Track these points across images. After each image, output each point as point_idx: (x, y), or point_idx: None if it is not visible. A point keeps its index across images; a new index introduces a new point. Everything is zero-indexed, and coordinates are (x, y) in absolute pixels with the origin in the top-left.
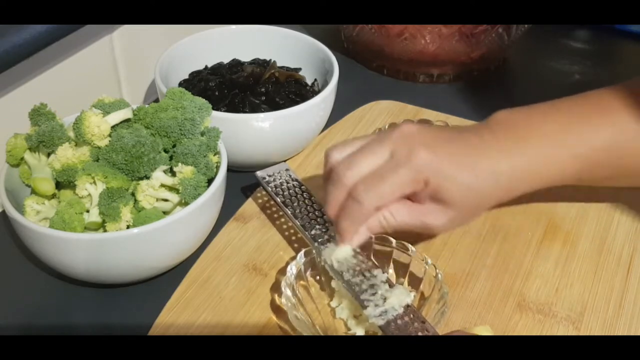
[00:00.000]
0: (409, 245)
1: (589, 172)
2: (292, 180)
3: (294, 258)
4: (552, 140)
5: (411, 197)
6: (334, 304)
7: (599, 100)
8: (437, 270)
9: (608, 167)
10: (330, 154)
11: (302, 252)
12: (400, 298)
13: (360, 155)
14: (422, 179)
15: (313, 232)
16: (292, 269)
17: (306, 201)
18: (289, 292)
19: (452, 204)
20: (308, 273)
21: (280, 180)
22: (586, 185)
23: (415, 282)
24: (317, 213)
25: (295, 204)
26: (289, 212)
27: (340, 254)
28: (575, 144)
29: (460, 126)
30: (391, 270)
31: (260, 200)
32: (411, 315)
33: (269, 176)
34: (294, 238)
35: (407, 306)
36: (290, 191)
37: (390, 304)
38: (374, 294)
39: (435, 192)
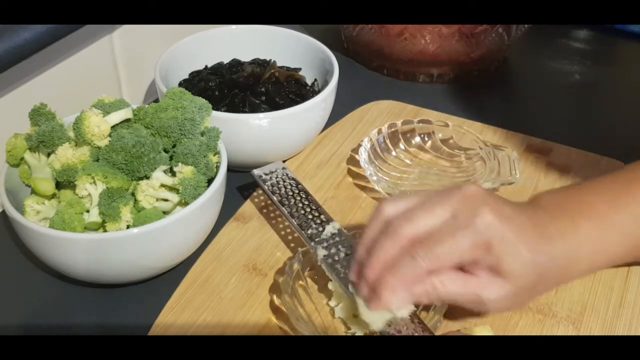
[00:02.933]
0: None
1: None
2: (289, 179)
3: (292, 258)
4: (602, 222)
5: (466, 270)
6: (332, 303)
7: (637, 170)
8: None
9: None
10: (385, 206)
11: (300, 252)
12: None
13: (420, 212)
14: (484, 243)
15: (310, 231)
16: (290, 269)
17: (303, 200)
18: (287, 293)
19: (511, 278)
20: (306, 273)
21: (277, 179)
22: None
23: None
24: (313, 212)
25: (292, 202)
26: (286, 212)
27: (373, 316)
28: (624, 221)
29: (518, 203)
30: None
31: (259, 200)
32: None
33: (266, 175)
34: (290, 237)
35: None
36: (287, 190)
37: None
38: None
39: (496, 260)
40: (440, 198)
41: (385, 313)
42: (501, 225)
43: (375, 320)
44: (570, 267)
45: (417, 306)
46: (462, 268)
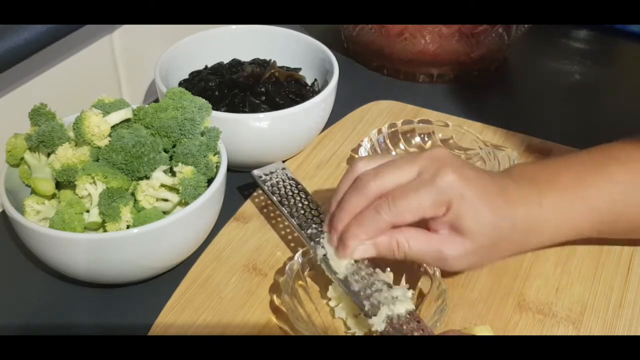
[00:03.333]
0: None
1: (607, 224)
2: (289, 179)
3: (291, 258)
4: (569, 193)
5: (428, 228)
6: (332, 303)
7: (613, 149)
8: (435, 268)
9: (625, 220)
10: (357, 163)
11: (300, 252)
12: (401, 305)
13: (387, 169)
14: (445, 201)
15: (309, 231)
16: (290, 269)
17: (302, 200)
18: (287, 293)
19: (470, 235)
20: (306, 273)
21: (277, 179)
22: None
23: (413, 280)
24: (313, 212)
25: (292, 202)
26: (285, 212)
27: (338, 262)
28: (592, 196)
29: (489, 171)
30: (388, 269)
31: (259, 200)
32: (414, 322)
33: (266, 175)
34: (290, 237)
35: (410, 312)
36: (287, 190)
37: (391, 310)
38: (372, 295)
39: (456, 218)
40: (409, 158)
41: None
42: (461, 185)
43: (342, 267)
44: (531, 234)
45: (417, 306)
46: (424, 226)
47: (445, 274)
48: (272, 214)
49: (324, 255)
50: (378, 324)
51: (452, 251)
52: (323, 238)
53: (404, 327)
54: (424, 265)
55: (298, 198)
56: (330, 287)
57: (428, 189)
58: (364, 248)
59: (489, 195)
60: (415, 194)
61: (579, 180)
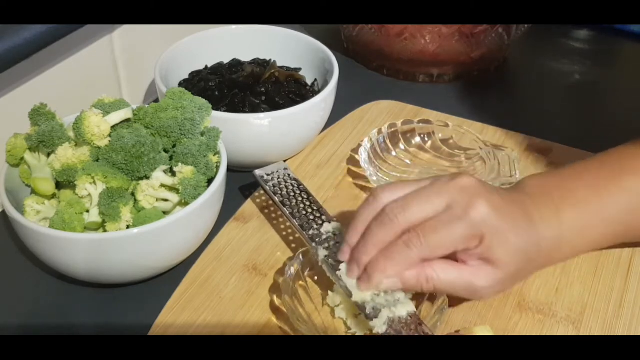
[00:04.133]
0: None
1: (624, 234)
2: (291, 179)
3: (292, 258)
4: (584, 208)
5: (457, 258)
6: (332, 303)
7: (625, 158)
8: None
9: None
10: (380, 193)
11: (300, 252)
12: (402, 307)
13: (416, 201)
14: (478, 234)
15: (311, 232)
16: (290, 270)
17: (304, 201)
18: (288, 293)
19: (501, 266)
20: (306, 273)
21: (279, 180)
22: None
23: None
24: (315, 213)
25: (294, 203)
26: (287, 212)
27: (359, 294)
28: (606, 209)
29: (505, 189)
30: None
31: (260, 200)
32: (415, 325)
33: (268, 175)
34: (291, 238)
35: (411, 315)
36: (289, 190)
37: (392, 312)
38: (373, 298)
39: (488, 250)
40: (436, 188)
41: (372, 292)
42: (494, 217)
43: (365, 297)
44: (554, 252)
45: (417, 306)
46: (452, 257)
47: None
48: (272, 215)
49: (326, 256)
50: (379, 326)
51: (483, 282)
52: (340, 270)
53: (405, 329)
54: None
55: (300, 199)
56: (330, 294)
57: (461, 223)
58: (391, 282)
59: (516, 222)
60: (448, 228)
61: (593, 192)
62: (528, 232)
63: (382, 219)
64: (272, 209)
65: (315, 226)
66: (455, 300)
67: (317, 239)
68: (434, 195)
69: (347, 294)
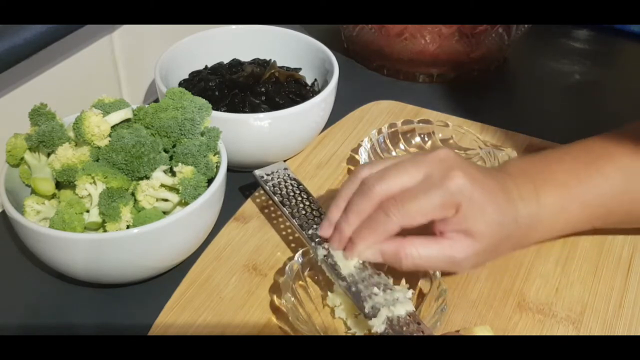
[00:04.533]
0: None
1: (601, 219)
2: (291, 179)
3: (292, 258)
4: (563, 191)
5: (434, 232)
6: (332, 304)
7: (605, 144)
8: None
9: (619, 213)
10: (360, 170)
11: (300, 252)
12: (401, 306)
13: (393, 172)
14: (454, 203)
15: (310, 231)
16: (290, 270)
17: (304, 201)
18: (288, 293)
19: (478, 236)
20: (306, 273)
21: (279, 180)
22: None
23: (413, 279)
24: (314, 213)
25: (293, 203)
26: (287, 212)
27: (346, 264)
28: (585, 193)
29: (487, 167)
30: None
31: (260, 200)
32: (414, 324)
33: (267, 175)
34: (291, 238)
35: (410, 314)
36: (288, 190)
37: (391, 311)
38: (372, 297)
39: (465, 220)
40: (414, 160)
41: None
42: (471, 187)
43: (349, 268)
44: (531, 230)
45: (417, 306)
46: (428, 232)
47: (445, 274)
48: (272, 214)
49: (325, 255)
50: (378, 326)
51: (461, 254)
52: (324, 246)
53: (404, 328)
54: None
55: (299, 198)
56: (330, 295)
57: (438, 191)
58: (371, 252)
59: (494, 195)
60: (425, 195)
61: (573, 176)
62: (506, 207)
63: (362, 189)
64: (272, 208)
65: (314, 226)
66: (457, 298)
67: (317, 239)
68: (411, 167)
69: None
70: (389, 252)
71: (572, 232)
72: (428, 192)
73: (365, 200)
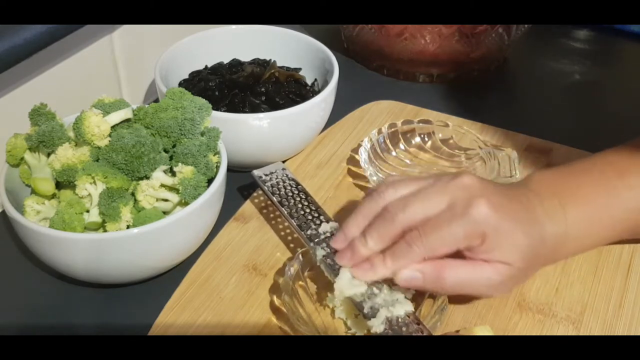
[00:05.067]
0: None
1: (630, 231)
2: (289, 179)
3: (291, 258)
4: (591, 204)
5: (462, 257)
6: (332, 304)
7: (632, 155)
8: None
9: None
10: (384, 191)
11: (299, 252)
12: (400, 306)
13: (417, 200)
14: (479, 233)
15: (309, 232)
16: (290, 270)
17: (302, 201)
18: (288, 293)
19: (510, 261)
20: (306, 273)
21: (277, 180)
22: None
23: None
24: (313, 213)
25: (292, 203)
26: (285, 212)
27: (353, 288)
28: (612, 207)
29: (510, 184)
30: None
31: (259, 200)
32: (414, 324)
33: (266, 175)
34: (290, 238)
35: (409, 314)
36: (287, 190)
37: (390, 312)
38: (371, 297)
39: (491, 250)
40: (437, 187)
41: (362, 286)
42: (496, 216)
43: (351, 291)
44: (559, 248)
45: (417, 307)
46: (459, 255)
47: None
48: (271, 215)
49: (324, 256)
50: (377, 326)
51: (499, 277)
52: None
53: (403, 329)
54: None
55: (298, 199)
56: (329, 295)
57: (461, 221)
58: (411, 273)
59: (520, 221)
60: (448, 226)
61: (600, 190)
62: (531, 229)
63: (384, 216)
64: (271, 209)
65: (313, 226)
66: (457, 298)
67: (316, 239)
68: (434, 194)
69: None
70: (431, 274)
71: (602, 245)
72: (451, 222)
73: (387, 227)
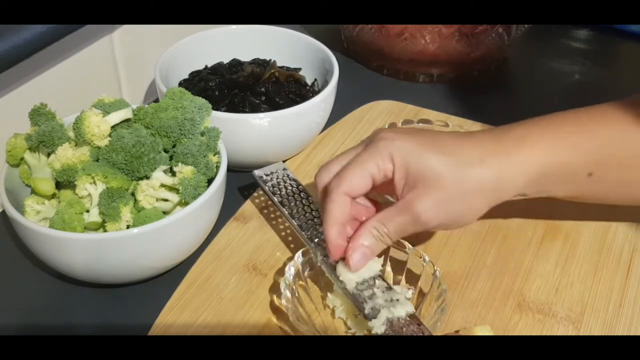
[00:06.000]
0: (406, 243)
1: (596, 166)
2: (290, 179)
3: (291, 258)
4: (553, 133)
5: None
6: (332, 305)
7: (597, 110)
8: (435, 267)
9: (613, 165)
10: (319, 175)
11: (300, 252)
12: (401, 307)
13: (336, 159)
14: (386, 155)
15: (310, 232)
16: (290, 270)
17: (303, 201)
18: (288, 293)
19: (428, 183)
20: (306, 273)
21: (278, 180)
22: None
23: (413, 279)
24: (314, 213)
25: (292, 203)
26: (286, 212)
27: (343, 272)
28: (580, 137)
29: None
30: (388, 269)
31: (259, 200)
32: (414, 325)
33: (267, 175)
34: (290, 238)
35: (410, 315)
36: (288, 191)
37: (391, 312)
38: (372, 298)
39: (406, 171)
40: (357, 145)
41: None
42: (402, 142)
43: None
44: (513, 168)
45: (417, 306)
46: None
47: (445, 273)
48: (272, 215)
49: (324, 257)
50: (378, 327)
51: (420, 205)
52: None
53: (404, 329)
54: (423, 264)
55: (299, 199)
56: (329, 295)
57: (367, 150)
58: (362, 253)
59: (425, 143)
60: (358, 159)
61: (568, 124)
62: (448, 151)
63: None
64: (272, 209)
65: (314, 227)
66: (457, 298)
67: (316, 239)
68: (351, 149)
69: (344, 292)
70: (372, 244)
71: (568, 180)
72: (359, 154)
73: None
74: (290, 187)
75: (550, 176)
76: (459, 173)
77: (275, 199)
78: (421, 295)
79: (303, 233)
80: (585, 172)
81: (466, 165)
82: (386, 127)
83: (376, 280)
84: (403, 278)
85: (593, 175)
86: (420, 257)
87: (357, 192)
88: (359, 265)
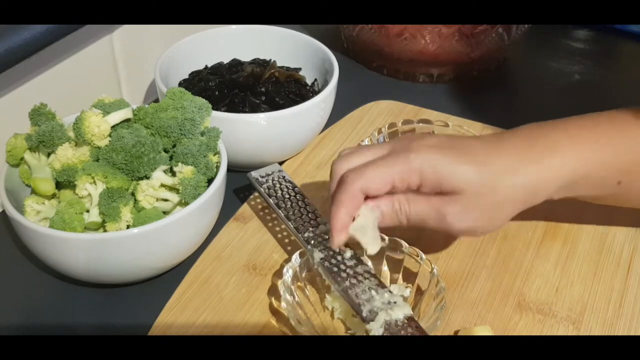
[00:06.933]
0: (402, 242)
1: (626, 172)
2: (286, 181)
3: (289, 260)
4: (579, 144)
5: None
6: (330, 306)
7: (615, 116)
8: (433, 265)
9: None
10: (336, 164)
11: (296, 254)
12: (399, 310)
13: (358, 152)
14: (415, 168)
15: (306, 234)
16: (288, 271)
17: (299, 203)
18: (287, 295)
19: (458, 193)
20: (304, 275)
21: (274, 182)
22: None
23: (410, 278)
24: (310, 215)
25: (289, 205)
26: (282, 214)
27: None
28: (605, 149)
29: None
30: (385, 268)
31: (259, 200)
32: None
33: (262, 177)
34: (287, 241)
35: (408, 318)
36: (284, 192)
37: (389, 315)
38: (370, 300)
39: (436, 183)
40: (383, 143)
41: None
42: (431, 154)
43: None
44: (540, 182)
45: (414, 306)
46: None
47: (445, 273)
48: (268, 217)
49: (321, 259)
50: (376, 329)
51: (450, 207)
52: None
53: (402, 332)
54: (420, 262)
55: (294, 200)
56: (327, 297)
57: (395, 157)
58: (376, 208)
59: (466, 155)
60: (382, 161)
61: (592, 133)
62: (479, 161)
63: (340, 187)
64: (269, 210)
65: (310, 228)
66: (457, 298)
67: (313, 242)
68: (376, 147)
69: (341, 294)
70: (387, 213)
71: (597, 187)
72: (386, 158)
73: (332, 182)
74: (286, 189)
75: (580, 182)
76: (493, 183)
77: (271, 201)
78: (419, 293)
79: (300, 235)
80: (615, 180)
81: (500, 175)
82: (386, 127)
83: (373, 278)
84: (400, 277)
85: (622, 183)
86: (417, 256)
87: (372, 192)
88: (364, 211)
